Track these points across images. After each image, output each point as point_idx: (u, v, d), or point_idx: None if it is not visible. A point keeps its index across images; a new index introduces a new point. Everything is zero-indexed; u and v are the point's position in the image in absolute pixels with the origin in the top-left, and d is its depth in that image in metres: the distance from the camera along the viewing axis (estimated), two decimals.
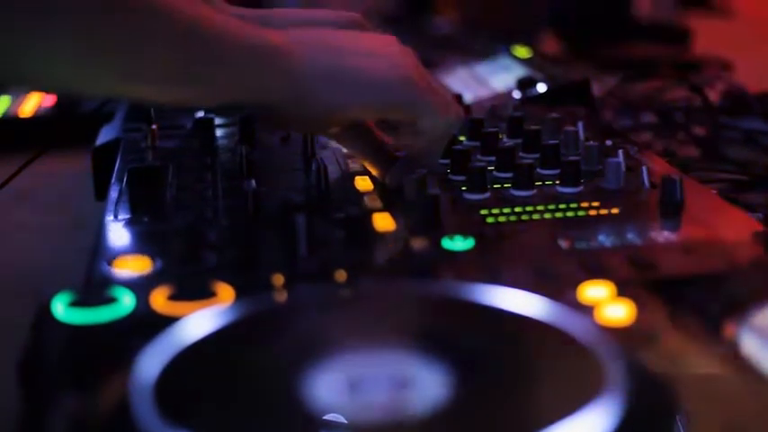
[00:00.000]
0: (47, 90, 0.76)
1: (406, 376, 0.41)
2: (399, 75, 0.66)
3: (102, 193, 0.80)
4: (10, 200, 0.88)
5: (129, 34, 0.57)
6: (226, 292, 0.50)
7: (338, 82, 0.64)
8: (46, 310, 0.49)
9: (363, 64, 0.65)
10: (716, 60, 1.41)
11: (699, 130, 1.02)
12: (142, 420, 0.38)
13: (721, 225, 0.61)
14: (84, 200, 0.89)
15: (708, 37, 1.66)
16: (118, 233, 0.61)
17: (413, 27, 1.70)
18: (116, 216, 0.64)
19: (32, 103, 1.10)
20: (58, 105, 1.10)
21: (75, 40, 0.56)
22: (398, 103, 0.67)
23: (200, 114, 0.82)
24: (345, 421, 0.38)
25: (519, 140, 0.76)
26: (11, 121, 1.08)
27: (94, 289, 0.51)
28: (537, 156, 0.72)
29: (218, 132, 0.80)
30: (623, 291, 0.50)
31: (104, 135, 0.84)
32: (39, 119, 1.08)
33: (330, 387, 0.40)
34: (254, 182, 0.63)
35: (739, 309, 0.49)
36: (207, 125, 0.79)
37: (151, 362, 0.41)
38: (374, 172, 0.71)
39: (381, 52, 0.67)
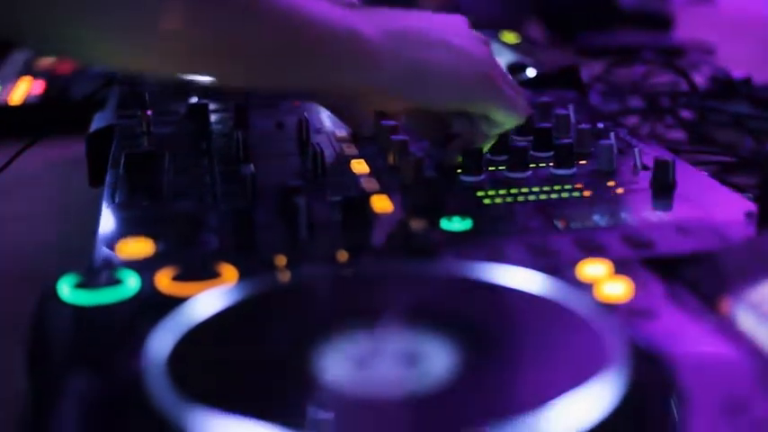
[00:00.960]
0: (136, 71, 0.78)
1: (412, 352, 0.42)
2: (479, 73, 0.68)
3: (96, 179, 0.81)
4: (0, 188, 0.88)
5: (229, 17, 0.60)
6: (230, 273, 0.51)
7: (420, 82, 0.67)
8: (51, 293, 0.50)
9: (444, 61, 0.68)
10: (699, 46, 1.42)
11: (685, 114, 1.03)
12: (156, 397, 0.38)
13: (713, 205, 0.62)
14: (74, 187, 0.90)
15: (689, 23, 1.67)
16: (118, 217, 0.61)
17: None
18: (114, 201, 0.64)
19: (22, 91, 1.10)
20: (47, 93, 1.10)
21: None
22: (477, 100, 0.69)
23: (194, 100, 0.82)
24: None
25: None
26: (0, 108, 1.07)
27: (99, 271, 0.51)
28: (529, 138, 0.73)
29: (212, 118, 0.81)
30: (620, 268, 0.51)
31: (98, 121, 0.84)
32: (28, 106, 1.08)
33: (338, 363, 0.41)
34: (252, 166, 0.64)
35: (734, 286, 0.50)
36: (201, 111, 0.80)
37: (162, 340, 0.42)
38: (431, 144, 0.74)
39: (459, 44, 0.69)
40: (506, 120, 0.70)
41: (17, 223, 0.83)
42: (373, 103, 0.72)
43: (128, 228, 0.60)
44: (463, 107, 0.70)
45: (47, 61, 1.24)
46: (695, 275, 0.52)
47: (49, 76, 1.16)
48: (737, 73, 1.13)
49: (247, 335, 0.44)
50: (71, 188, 0.89)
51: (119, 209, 0.63)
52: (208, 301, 0.45)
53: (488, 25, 1.26)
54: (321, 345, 0.42)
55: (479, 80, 0.68)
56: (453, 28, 0.71)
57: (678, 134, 1.01)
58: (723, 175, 0.83)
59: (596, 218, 0.60)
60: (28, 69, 1.20)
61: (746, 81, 1.11)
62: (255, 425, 0.36)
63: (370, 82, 0.66)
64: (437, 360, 0.41)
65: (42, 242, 0.78)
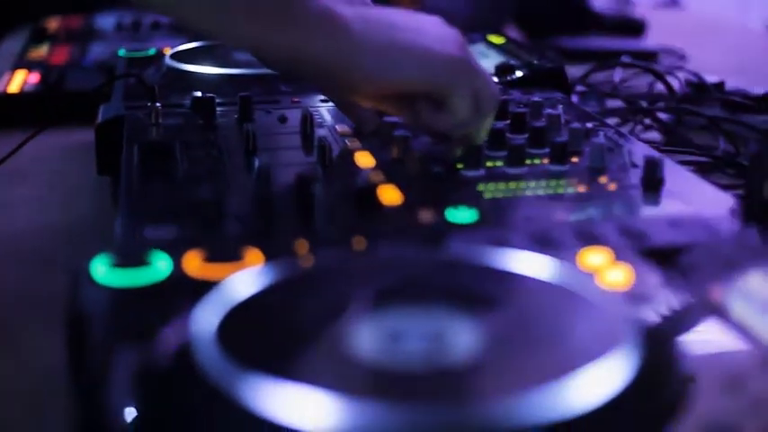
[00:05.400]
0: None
1: (436, 331, 0.45)
2: (446, 52, 0.71)
3: (104, 168, 0.83)
4: (2, 177, 0.91)
5: None
6: (255, 256, 0.54)
7: (386, 56, 0.70)
8: (85, 274, 0.53)
9: (412, 40, 0.70)
10: (671, 51, 1.47)
11: (662, 117, 1.07)
12: (207, 365, 0.41)
13: (699, 201, 0.66)
14: (76, 175, 0.92)
15: (660, 27, 1.72)
16: (137, 203, 0.64)
17: None
18: (131, 188, 0.67)
19: (18, 80, 1.12)
20: (43, 83, 1.12)
21: None
22: (453, 80, 0.71)
23: (198, 94, 0.85)
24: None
25: (506, 122, 0.81)
26: None
27: (131, 253, 0.54)
28: (523, 136, 0.77)
29: (218, 110, 0.84)
30: (620, 257, 0.55)
31: (105, 112, 0.87)
32: (25, 96, 1.10)
33: (372, 337, 0.44)
34: (266, 157, 0.67)
35: (725, 276, 0.54)
36: (207, 104, 0.83)
37: (208, 315, 0.45)
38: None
39: (431, 30, 0.72)
40: (486, 102, 0.72)
41: (23, 208, 0.85)
42: (352, 88, 0.73)
43: (151, 213, 0.62)
44: (428, 86, 0.72)
45: (40, 53, 1.27)
46: (688, 266, 0.56)
47: (43, 67, 1.19)
48: (709, 78, 1.18)
49: (287, 311, 0.48)
50: (74, 176, 0.91)
51: (137, 195, 0.66)
52: (245, 280, 0.49)
53: (469, 28, 1.30)
54: (353, 321, 0.46)
55: (454, 61, 0.71)
56: (428, 21, 0.74)
57: (655, 135, 1.05)
58: (699, 174, 0.87)
59: (592, 211, 0.64)
60: (21, 61, 1.23)
61: (719, 85, 1.16)
62: (302, 389, 0.39)
63: (340, 53, 0.68)
64: (460, 339, 0.45)
65: (50, 226, 0.81)
